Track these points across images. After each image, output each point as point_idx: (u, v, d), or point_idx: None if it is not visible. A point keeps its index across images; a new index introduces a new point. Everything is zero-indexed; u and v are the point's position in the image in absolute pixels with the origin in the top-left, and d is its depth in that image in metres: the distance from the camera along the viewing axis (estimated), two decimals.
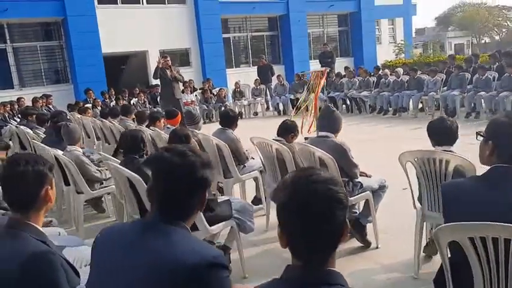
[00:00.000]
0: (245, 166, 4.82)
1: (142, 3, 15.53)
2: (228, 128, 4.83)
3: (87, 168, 4.74)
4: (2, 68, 13.79)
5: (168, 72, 9.87)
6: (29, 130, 7.16)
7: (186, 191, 1.53)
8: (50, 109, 10.99)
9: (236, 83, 14.10)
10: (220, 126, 4.89)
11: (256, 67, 17.93)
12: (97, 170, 4.87)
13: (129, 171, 3.59)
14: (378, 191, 3.82)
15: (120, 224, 2.02)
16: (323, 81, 8.36)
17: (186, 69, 15.09)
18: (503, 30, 53.30)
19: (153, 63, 15.72)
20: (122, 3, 15.16)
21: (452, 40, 51.41)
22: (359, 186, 3.74)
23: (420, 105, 11.03)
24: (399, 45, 21.51)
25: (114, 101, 12.61)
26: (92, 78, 13.93)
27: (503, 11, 51.82)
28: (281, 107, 13.78)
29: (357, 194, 3.74)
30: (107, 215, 5.38)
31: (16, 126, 8.24)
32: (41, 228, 1.89)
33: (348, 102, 12.78)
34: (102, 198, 5.40)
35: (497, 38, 53.54)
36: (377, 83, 12.08)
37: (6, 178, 1.85)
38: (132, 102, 12.95)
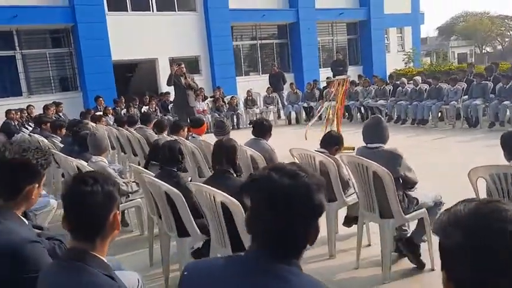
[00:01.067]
0: None
1: (153, 11, 15.36)
2: (262, 138, 4.57)
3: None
4: (10, 75, 13.58)
5: (183, 79, 9.65)
6: (43, 138, 6.91)
7: (300, 222, 1.25)
8: (60, 117, 10.72)
9: (248, 91, 13.87)
10: (252, 136, 4.62)
11: (264, 75, 17.85)
12: (123, 182, 4.61)
13: (167, 185, 3.33)
14: (434, 209, 3.54)
15: (209, 261, 1.69)
16: (345, 90, 8.11)
17: (195, 77, 14.85)
18: (506, 39, 53.48)
19: (162, 70, 15.63)
20: (132, 10, 14.98)
21: (455, 49, 51.50)
22: (415, 202, 3.47)
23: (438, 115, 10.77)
24: (408, 53, 21.32)
25: (125, 109, 12.37)
26: (101, 85, 13.72)
27: (506, 20, 52.00)
28: (293, 116, 13.55)
29: (413, 211, 3.47)
30: (129, 229, 5.11)
31: (29, 135, 7.98)
32: (106, 260, 1.63)
33: (363, 111, 12.53)
34: (125, 211, 5.13)
35: (499, 47, 53.70)
36: (393, 91, 11.84)
37: (71, 199, 1.59)
38: (143, 110, 12.71)
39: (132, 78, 17.83)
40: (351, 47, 20.29)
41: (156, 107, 12.78)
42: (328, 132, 4.13)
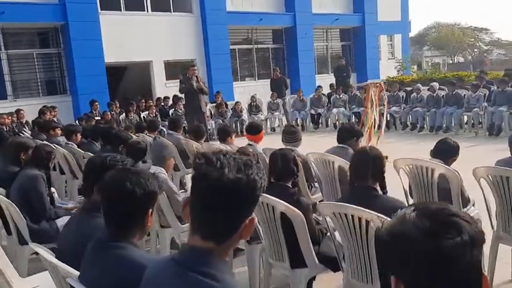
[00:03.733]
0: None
1: (147, 11, 14.55)
2: (348, 147, 3.95)
3: (175, 197, 3.77)
4: None
5: (194, 82, 8.98)
6: (57, 146, 6.05)
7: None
8: (55, 122, 9.78)
9: (252, 97, 13.24)
10: (338, 145, 3.99)
11: (261, 81, 17.29)
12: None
13: (286, 204, 2.68)
14: None
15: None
16: (381, 94, 7.62)
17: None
18: (475, 50, 55.13)
19: (157, 74, 14.82)
20: (126, 9, 14.14)
21: (428, 59, 52.65)
22: None
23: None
24: (400, 61, 21.24)
25: (124, 114, 11.52)
26: (93, 89, 12.79)
27: (475, 32, 53.67)
28: (299, 122, 13.03)
29: None
30: None
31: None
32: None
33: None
34: None
35: (469, 57, 55.32)
36: (407, 98, 11.47)
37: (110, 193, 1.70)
38: (142, 115, 11.90)
39: (121, 82, 16.88)
40: (345, 53, 19.97)
41: (157, 112, 11.97)
42: (443, 139, 3.53)
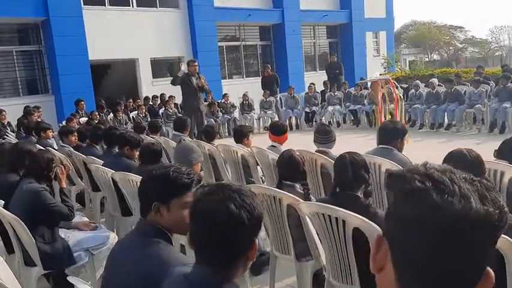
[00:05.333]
0: None
1: (133, 6, 13.94)
2: (393, 148, 3.58)
3: None
4: None
5: (194, 79, 8.49)
6: (50, 149, 5.50)
7: None
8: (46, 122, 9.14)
9: (244, 95, 12.81)
10: (380, 145, 3.62)
11: (249, 78, 16.88)
12: None
13: (361, 217, 2.28)
14: None
15: None
16: (394, 90, 7.32)
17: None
18: (451, 48, 56.14)
19: (144, 72, 14.23)
20: (110, 4, 13.50)
21: (406, 57, 53.31)
22: None
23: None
24: (387, 58, 21.13)
25: (112, 115, 10.94)
26: (77, 88, 12.14)
27: (451, 30, 54.71)
28: (293, 121, 12.69)
29: None
30: None
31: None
32: None
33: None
34: None
35: (445, 55, 56.34)
36: (404, 95, 11.23)
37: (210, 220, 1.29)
38: (132, 115, 11.34)
39: (104, 80, 16.20)
40: (332, 50, 19.73)
41: (146, 112, 11.42)
42: (510, 138, 3.21)
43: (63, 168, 3.74)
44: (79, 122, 9.75)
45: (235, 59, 17.22)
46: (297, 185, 2.84)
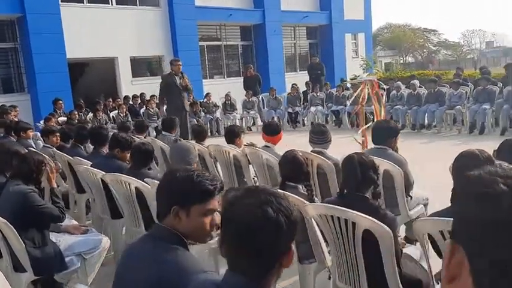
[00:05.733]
0: (411, 198, 3.61)
1: (111, 3, 13.67)
2: (388, 147, 3.58)
3: None
4: None
5: (178, 79, 8.37)
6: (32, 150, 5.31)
7: None
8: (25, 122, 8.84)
9: (226, 95, 12.73)
10: (375, 146, 3.60)
11: (230, 79, 16.79)
12: None
13: (373, 219, 2.25)
14: None
15: None
16: (379, 92, 7.34)
17: (158, 80, 13.42)
18: (424, 50, 57.30)
19: (122, 71, 13.97)
20: (89, 2, 13.20)
21: (382, 59, 53.94)
22: None
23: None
24: (366, 60, 21.34)
25: (92, 114, 10.69)
26: (54, 87, 11.80)
27: (425, 33, 55.85)
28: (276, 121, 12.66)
29: None
30: None
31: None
32: None
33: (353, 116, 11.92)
34: None
35: (419, 58, 57.46)
36: (386, 96, 11.34)
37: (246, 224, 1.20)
38: (112, 115, 11.11)
39: (81, 79, 15.84)
40: (312, 51, 19.82)
41: (127, 112, 11.21)
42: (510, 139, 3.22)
43: (53, 167, 3.59)
44: (58, 122, 9.49)
45: (216, 59, 17.09)
46: (300, 186, 2.80)
